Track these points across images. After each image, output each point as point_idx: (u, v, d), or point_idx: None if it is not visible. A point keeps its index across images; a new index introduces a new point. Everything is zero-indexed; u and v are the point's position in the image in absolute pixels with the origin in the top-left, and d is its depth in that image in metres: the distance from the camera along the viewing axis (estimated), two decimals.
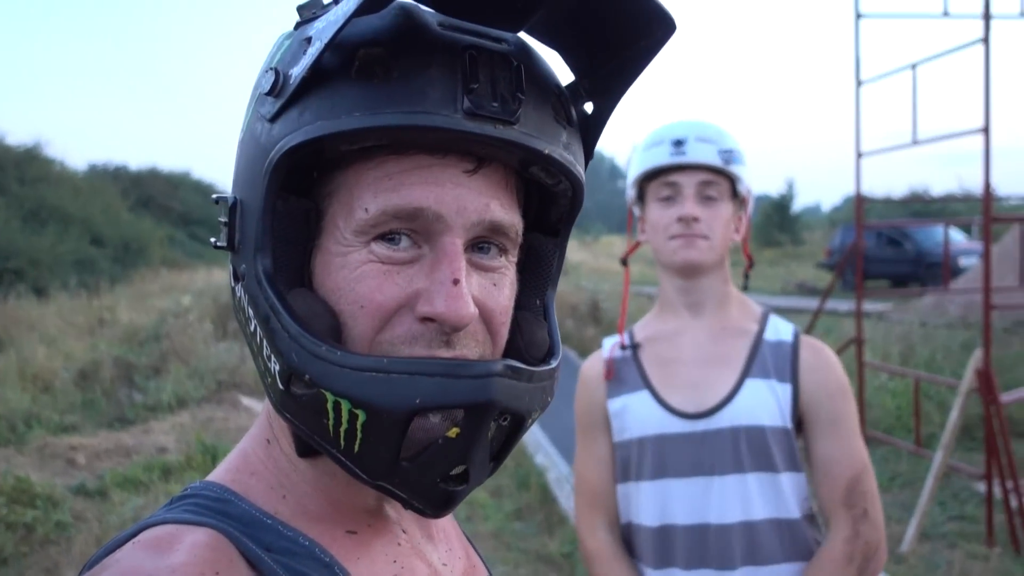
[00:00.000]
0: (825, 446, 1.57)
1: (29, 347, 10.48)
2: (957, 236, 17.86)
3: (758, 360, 1.61)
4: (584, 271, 22.56)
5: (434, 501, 0.60)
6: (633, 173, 1.67)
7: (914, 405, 5.89)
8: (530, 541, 5.14)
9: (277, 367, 0.58)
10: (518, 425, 0.61)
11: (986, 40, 4.80)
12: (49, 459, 6.71)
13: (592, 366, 1.73)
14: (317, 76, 0.56)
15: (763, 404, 1.57)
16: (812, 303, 10.71)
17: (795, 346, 1.63)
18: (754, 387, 1.59)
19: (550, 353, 0.68)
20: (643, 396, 1.63)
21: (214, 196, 0.64)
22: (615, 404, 1.65)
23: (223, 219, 0.62)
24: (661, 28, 0.61)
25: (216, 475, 0.66)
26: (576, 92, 0.66)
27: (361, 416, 0.56)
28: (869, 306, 13.04)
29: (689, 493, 1.56)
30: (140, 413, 8.32)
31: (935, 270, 16.94)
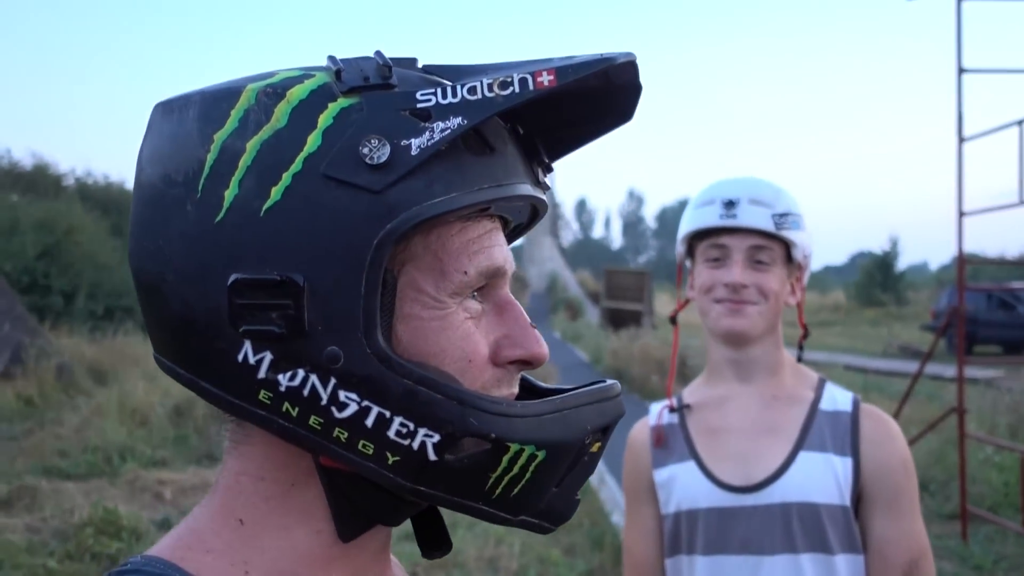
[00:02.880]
0: (883, 526, 1.46)
1: (131, 382, 10.98)
2: None
3: (814, 431, 1.51)
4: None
5: (565, 514, 0.66)
6: (683, 230, 1.61)
7: (1021, 482, 5.48)
8: None
9: (435, 439, 0.58)
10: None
11: None
12: (138, 492, 6.95)
13: (639, 433, 1.64)
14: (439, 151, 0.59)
15: (818, 479, 1.47)
16: (916, 366, 10.20)
17: (855, 416, 1.52)
18: (809, 460, 1.48)
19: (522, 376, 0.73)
20: (689, 467, 1.54)
21: (232, 279, 0.57)
22: (661, 474, 1.57)
23: (274, 301, 0.57)
24: (616, 120, 0.68)
25: (160, 550, 0.62)
26: None
27: (540, 456, 0.61)
28: (977, 372, 12.34)
29: (739, 572, 1.46)
30: None
31: None
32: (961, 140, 5.95)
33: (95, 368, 12.71)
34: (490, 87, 0.57)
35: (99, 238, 20.36)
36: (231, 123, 0.59)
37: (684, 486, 1.53)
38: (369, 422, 0.57)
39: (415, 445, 0.58)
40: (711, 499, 1.50)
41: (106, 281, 19.56)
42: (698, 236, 1.57)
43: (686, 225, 1.59)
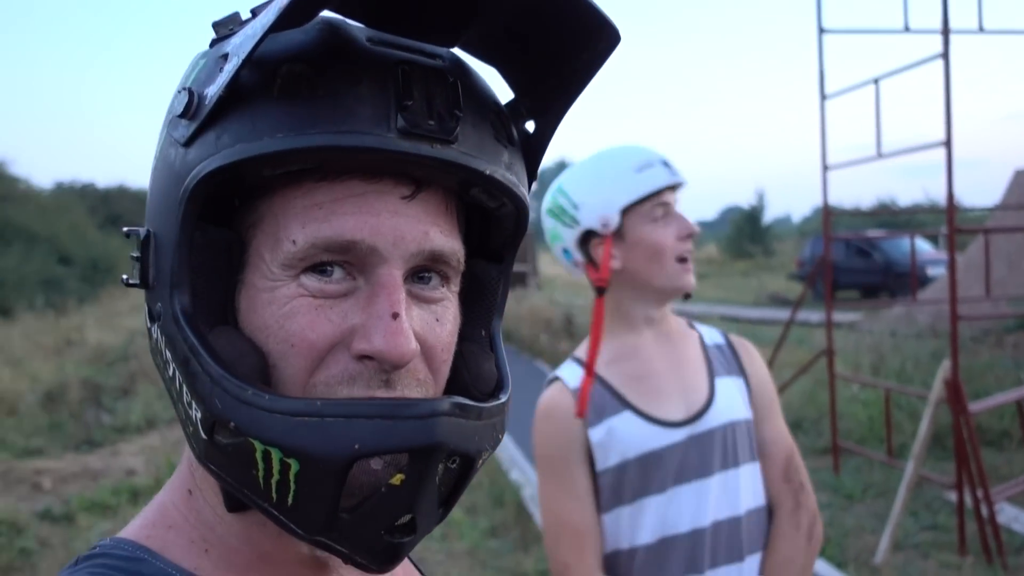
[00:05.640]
0: (766, 430, 1.67)
1: None
2: (925, 246, 18.15)
3: (713, 360, 1.67)
4: (559, 285, 22.62)
5: (379, 555, 0.55)
6: (624, 197, 1.59)
7: (885, 416, 5.94)
8: (505, 559, 5.10)
9: (199, 414, 0.53)
10: (468, 467, 0.57)
11: (946, 55, 4.88)
12: (13, 484, 6.57)
13: (559, 400, 1.60)
14: (236, 96, 0.52)
15: (735, 399, 1.63)
16: (785, 314, 10.85)
17: (731, 345, 1.72)
18: (724, 385, 1.64)
19: (499, 387, 0.64)
20: (626, 416, 1.58)
21: (124, 229, 0.59)
22: (598, 433, 1.57)
23: (135, 254, 0.58)
24: (604, 40, 0.57)
25: (129, 531, 0.61)
26: (516, 111, 0.62)
27: (294, 466, 0.51)
28: (840, 316, 13.18)
29: (693, 498, 1.55)
30: (108, 435, 8.19)
31: (904, 280, 17.16)
32: (823, 98, 6.28)
33: None
34: (264, 16, 0.51)
35: None
36: (186, 72, 0.60)
37: (624, 436, 1.56)
38: (177, 385, 0.55)
39: (194, 417, 0.54)
40: (656, 440, 1.56)
41: None
42: (643, 199, 1.60)
43: (631, 191, 1.59)
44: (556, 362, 11.09)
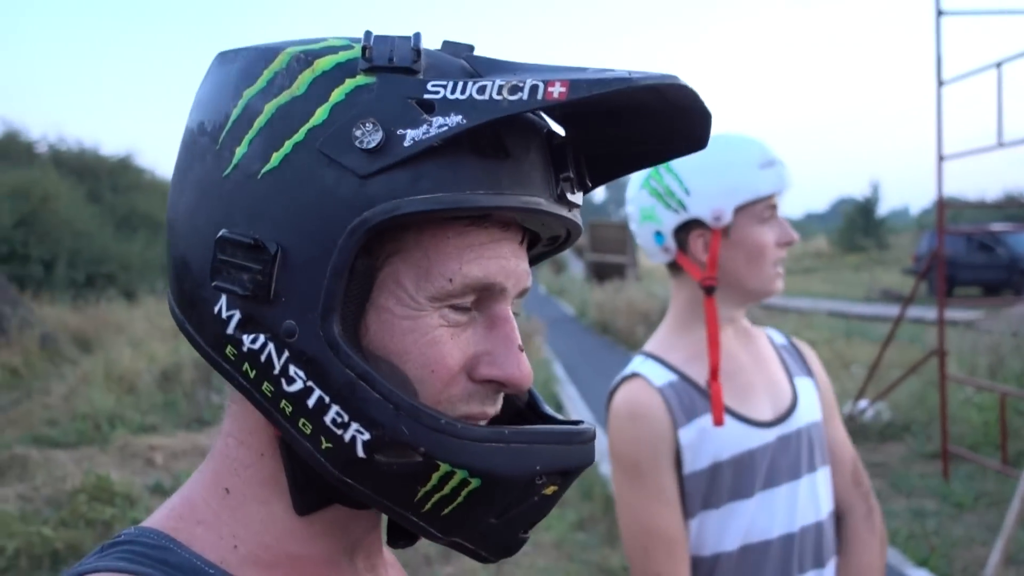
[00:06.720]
0: (832, 433, 1.65)
1: (117, 349, 10.95)
2: None
3: (786, 359, 1.63)
4: (657, 277, 22.31)
5: (508, 549, 0.63)
6: (743, 195, 1.48)
7: (1000, 421, 5.60)
8: (592, 552, 5.07)
9: (365, 436, 0.56)
10: None
11: None
12: (129, 458, 6.97)
13: (645, 399, 1.48)
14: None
15: (811, 400, 1.59)
16: (897, 311, 10.33)
17: (795, 346, 1.70)
18: (802, 385, 1.60)
19: (530, 394, 0.70)
20: None
21: (223, 234, 0.58)
22: (688, 433, 1.47)
23: (247, 264, 0.57)
24: (683, 142, 0.64)
25: (155, 521, 0.63)
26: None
27: (474, 483, 0.57)
28: (958, 315, 12.50)
29: (784, 502, 1.50)
30: (217, 415, 8.57)
31: None
32: (940, 84, 5.95)
33: (79, 336, 12.65)
34: (499, 90, 0.54)
35: (76, 205, 20.11)
36: (260, 82, 0.60)
37: (717, 436, 1.47)
38: (310, 403, 0.57)
39: (347, 437, 0.57)
40: (749, 440, 1.48)
41: (86, 248, 19.36)
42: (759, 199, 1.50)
43: (753, 188, 1.48)
44: None
